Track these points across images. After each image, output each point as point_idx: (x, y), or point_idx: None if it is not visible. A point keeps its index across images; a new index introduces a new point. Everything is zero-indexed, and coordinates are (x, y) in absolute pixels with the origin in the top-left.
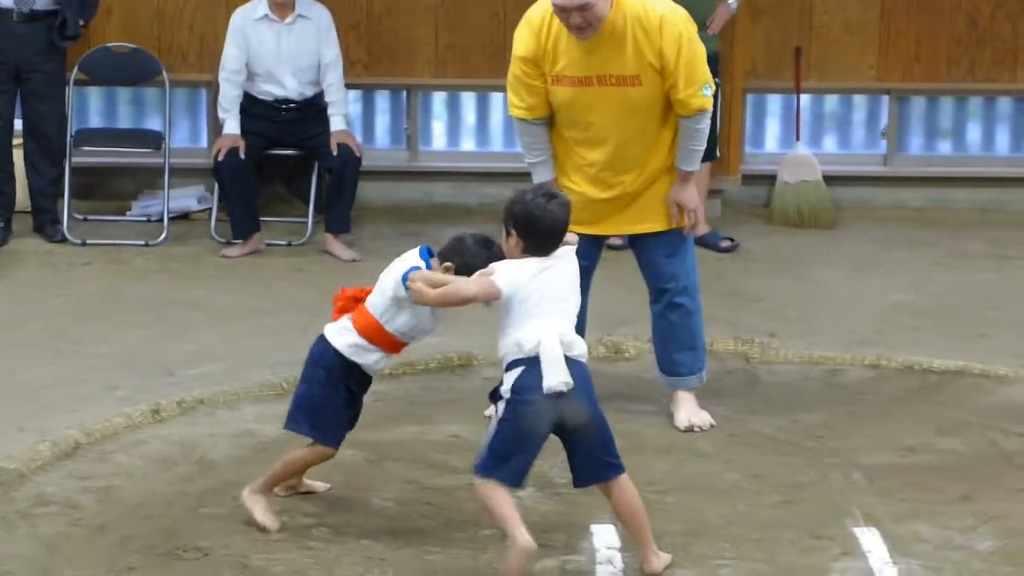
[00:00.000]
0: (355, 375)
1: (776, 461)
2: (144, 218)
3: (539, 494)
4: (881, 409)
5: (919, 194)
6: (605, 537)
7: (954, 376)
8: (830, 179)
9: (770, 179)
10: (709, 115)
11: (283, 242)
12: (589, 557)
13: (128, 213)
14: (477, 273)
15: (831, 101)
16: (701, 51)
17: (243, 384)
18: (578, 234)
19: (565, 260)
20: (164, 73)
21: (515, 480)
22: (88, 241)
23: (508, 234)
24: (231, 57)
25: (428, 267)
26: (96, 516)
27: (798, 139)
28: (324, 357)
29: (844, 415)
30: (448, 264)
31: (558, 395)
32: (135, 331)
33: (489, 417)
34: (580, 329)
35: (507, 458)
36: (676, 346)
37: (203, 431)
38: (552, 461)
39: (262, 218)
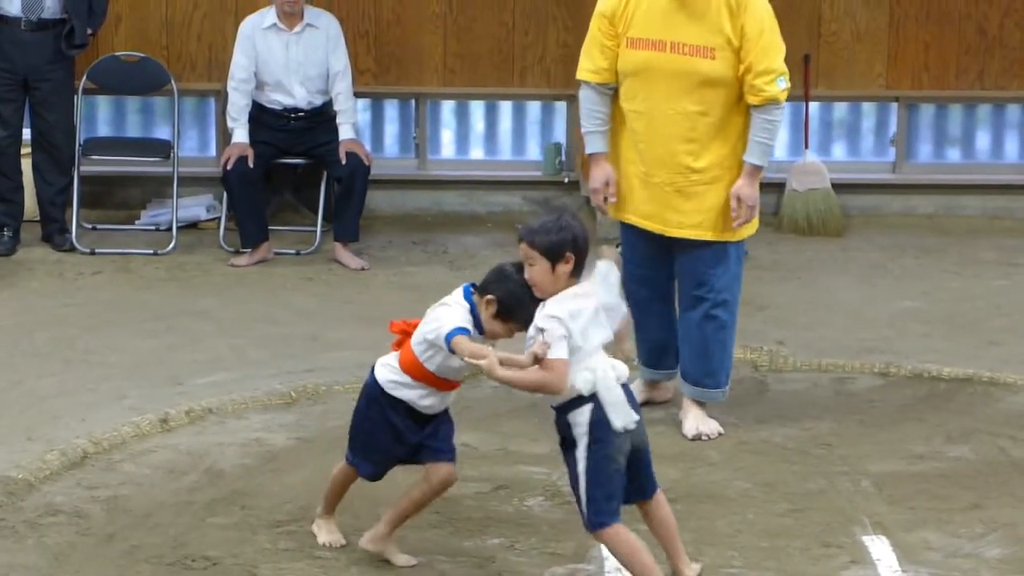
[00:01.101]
0: (400, 411)
1: (785, 469)
2: (153, 227)
3: (548, 503)
4: (890, 417)
5: (928, 201)
6: None
7: (963, 384)
8: (839, 187)
9: (779, 187)
10: (781, 108)
11: (292, 251)
12: (599, 566)
13: (137, 222)
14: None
15: (840, 109)
16: (781, 44)
17: (252, 393)
18: (643, 229)
19: (599, 284)
20: (173, 82)
21: (619, 516)
22: (97, 250)
23: (560, 260)
24: (239, 66)
25: (472, 305)
26: (104, 526)
27: (807, 147)
28: (367, 386)
29: (853, 423)
30: (490, 297)
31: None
32: (144, 340)
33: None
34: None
35: (610, 498)
36: (707, 359)
37: (211, 440)
38: (561, 471)
39: (271, 227)
